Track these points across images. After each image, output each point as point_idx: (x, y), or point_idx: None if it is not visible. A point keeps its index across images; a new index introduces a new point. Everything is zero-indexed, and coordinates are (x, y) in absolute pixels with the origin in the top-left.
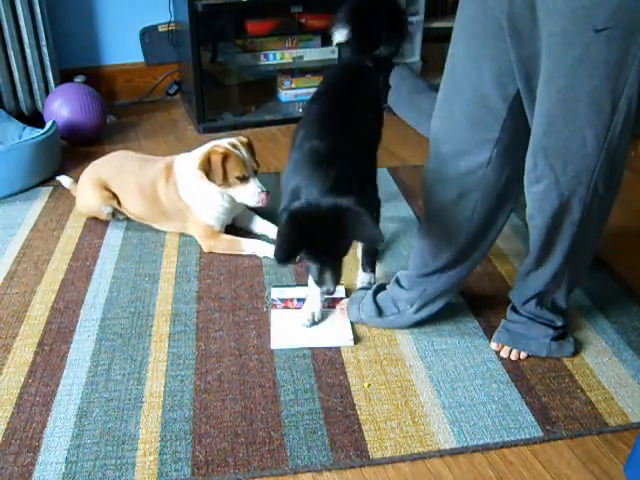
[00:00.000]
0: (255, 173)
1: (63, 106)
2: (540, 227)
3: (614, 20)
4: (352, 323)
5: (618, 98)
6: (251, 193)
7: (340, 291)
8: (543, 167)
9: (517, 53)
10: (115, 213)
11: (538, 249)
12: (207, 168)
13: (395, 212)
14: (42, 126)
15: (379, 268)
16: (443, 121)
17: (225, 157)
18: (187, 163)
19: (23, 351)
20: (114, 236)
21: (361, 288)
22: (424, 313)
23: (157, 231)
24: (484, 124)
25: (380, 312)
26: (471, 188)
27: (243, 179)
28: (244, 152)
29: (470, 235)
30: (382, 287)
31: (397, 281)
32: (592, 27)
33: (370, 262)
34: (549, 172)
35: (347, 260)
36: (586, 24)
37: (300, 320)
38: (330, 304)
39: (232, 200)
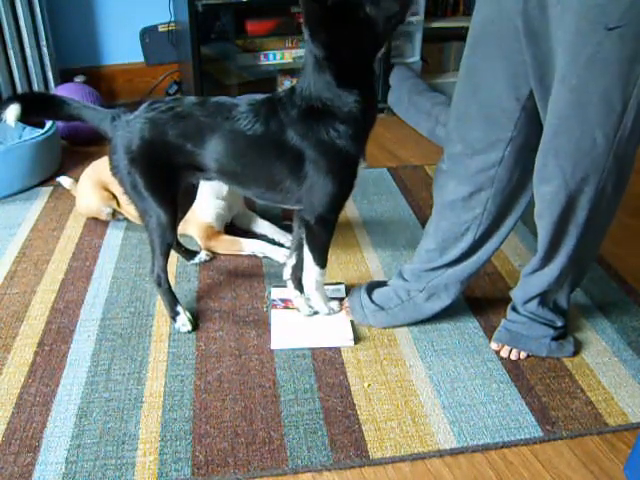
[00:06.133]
0: None
1: None
2: (548, 226)
3: (626, 18)
4: (352, 323)
5: (629, 97)
6: None
7: (341, 291)
8: (553, 167)
9: (532, 53)
10: (115, 213)
11: (545, 248)
12: None
13: (394, 212)
14: (42, 126)
15: (377, 264)
16: (457, 121)
17: None
18: None
19: (23, 351)
20: (114, 236)
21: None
22: (433, 305)
23: None
24: (498, 124)
25: (381, 308)
26: (483, 186)
27: None
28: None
29: (479, 233)
30: (376, 285)
31: (400, 274)
32: (604, 25)
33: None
34: (559, 172)
35: (347, 258)
36: (599, 22)
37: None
38: None
39: (229, 192)
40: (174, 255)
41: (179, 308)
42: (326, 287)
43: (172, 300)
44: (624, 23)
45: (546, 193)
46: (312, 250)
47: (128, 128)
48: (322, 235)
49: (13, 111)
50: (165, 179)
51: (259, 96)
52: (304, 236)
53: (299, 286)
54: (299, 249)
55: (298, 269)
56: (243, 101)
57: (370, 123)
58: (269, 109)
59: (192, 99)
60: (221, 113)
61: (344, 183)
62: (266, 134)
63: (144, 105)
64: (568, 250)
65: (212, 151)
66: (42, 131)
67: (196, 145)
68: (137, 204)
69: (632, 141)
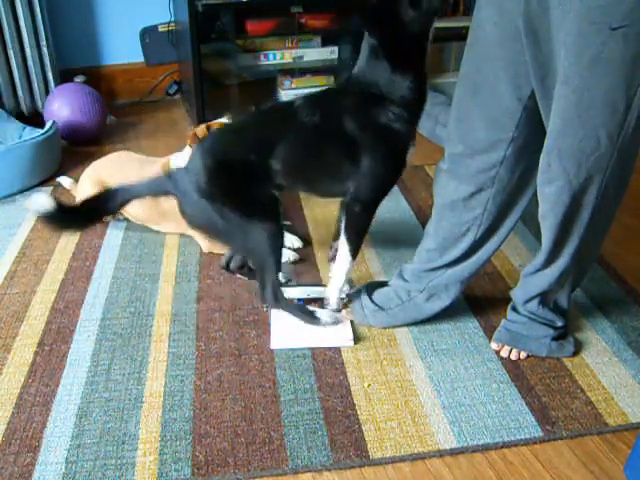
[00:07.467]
0: None
1: (63, 106)
2: (552, 227)
3: (630, 18)
4: (352, 323)
5: (632, 96)
6: None
7: (342, 291)
8: (557, 168)
9: (532, 54)
10: (115, 213)
11: (549, 248)
12: (197, 141)
13: (394, 211)
14: (42, 126)
15: (377, 264)
16: (458, 122)
17: (208, 126)
18: (183, 159)
19: (23, 351)
20: (114, 236)
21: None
22: (433, 305)
23: (157, 231)
24: (499, 124)
25: (381, 308)
26: (484, 186)
27: None
28: (225, 119)
29: (479, 233)
30: (376, 285)
31: (400, 275)
32: (608, 26)
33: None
34: (562, 173)
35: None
36: (602, 23)
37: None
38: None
39: None
40: (174, 255)
41: (311, 308)
42: (324, 288)
43: (300, 307)
44: (628, 23)
45: (550, 194)
46: (349, 238)
47: (189, 174)
48: (363, 222)
49: (44, 203)
50: (249, 193)
51: (311, 92)
52: (343, 224)
53: None
54: None
55: None
56: (297, 98)
57: (421, 107)
58: (326, 100)
59: (238, 118)
60: (277, 114)
61: (396, 167)
62: (326, 123)
63: (193, 149)
64: (571, 250)
65: (277, 153)
66: (42, 131)
67: (261, 154)
68: (236, 235)
69: (635, 140)
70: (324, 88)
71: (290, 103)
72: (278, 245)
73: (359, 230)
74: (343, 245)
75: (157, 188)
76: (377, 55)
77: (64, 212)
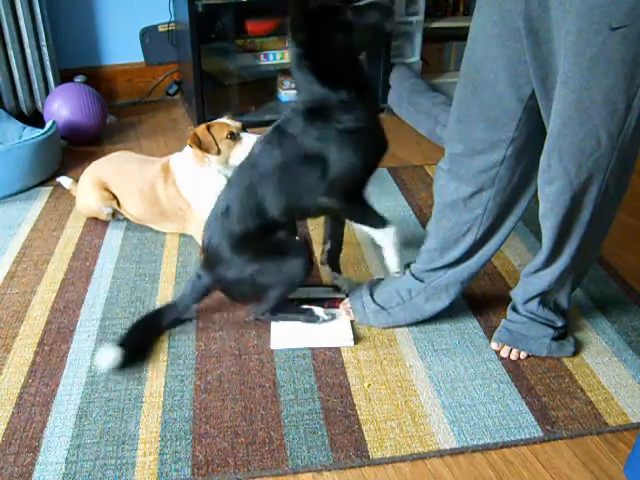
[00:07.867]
0: (244, 130)
1: (63, 106)
2: (553, 227)
3: (630, 18)
4: (352, 323)
5: (632, 97)
6: (249, 144)
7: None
8: (557, 168)
9: (533, 54)
10: (115, 213)
11: (550, 248)
12: (197, 141)
13: (395, 212)
14: (42, 126)
15: (377, 264)
16: (459, 122)
17: (208, 126)
18: (182, 159)
19: (23, 351)
20: (114, 236)
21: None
22: (433, 306)
23: (157, 231)
24: (499, 124)
25: (382, 307)
26: (484, 187)
27: (233, 137)
28: (225, 119)
29: (480, 234)
30: (377, 283)
31: (404, 273)
32: (608, 25)
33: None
34: (563, 174)
35: (346, 258)
36: (602, 23)
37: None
38: (331, 304)
39: None
40: (174, 255)
41: (305, 307)
42: (325, 288)
43: (293, 309)
44: (628, 23)
45: (551, 194)
46: (360, 222)
47: (217, 268)
48: (357, 210)
49: (112, 356)
50: (271, 246)
51: (264, 132)
52: (348, 220)
53: (337, 268)
54: (333, 235)
55: (334, 254)
56: (255, 144)
57: (370, 92)
58: (278, 134)
59: (219, 199)
60: (246, 172)
61: (365, 155)
62: (288, 157)
63: (201, 248)
64: (571, 250)
65: (269, 206)
66: (42, 131)
67: (257, 216)
68: (279, 280)
69: (635, 140)
70: (274, 124)
71: (250, 155)
72: (309, 269)
73: (359, 214)
74: (367, 230)
75: (198, 290)
76: (302, 65)
77: (130, 349)
